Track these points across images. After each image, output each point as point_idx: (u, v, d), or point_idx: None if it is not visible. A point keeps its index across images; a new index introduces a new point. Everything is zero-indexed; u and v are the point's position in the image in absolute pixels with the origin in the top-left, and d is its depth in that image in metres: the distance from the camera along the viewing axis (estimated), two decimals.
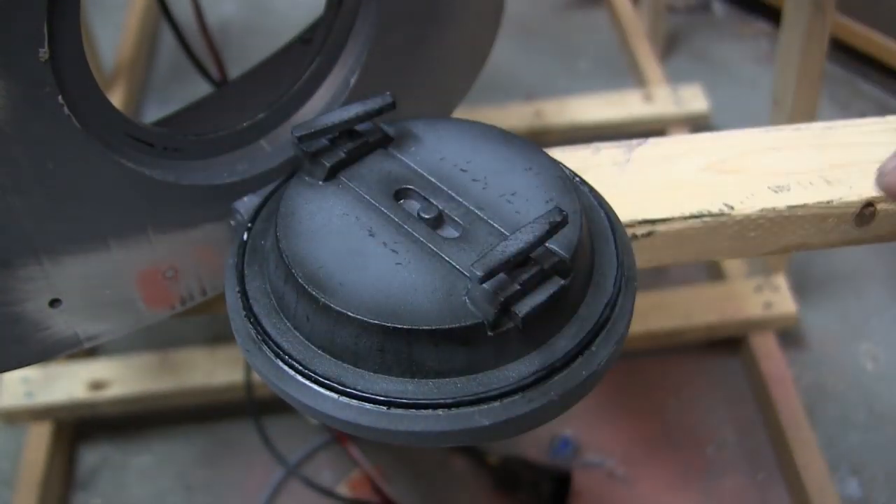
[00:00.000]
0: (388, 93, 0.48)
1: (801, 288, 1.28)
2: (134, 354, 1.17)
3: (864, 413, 1.18)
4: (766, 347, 1.21)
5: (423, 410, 0.41)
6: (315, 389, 0.42)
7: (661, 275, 1.31)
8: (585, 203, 0.49)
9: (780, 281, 1.23)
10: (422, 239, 0.44)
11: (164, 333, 1.23)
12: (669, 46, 1.70)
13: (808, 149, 0.59)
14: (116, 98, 1.55)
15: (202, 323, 1.27)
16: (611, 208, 0.50)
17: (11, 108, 0.40)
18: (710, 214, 0.55)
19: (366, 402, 0.41)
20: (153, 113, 1.69)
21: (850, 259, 1.35)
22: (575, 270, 0.43)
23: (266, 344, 0.43)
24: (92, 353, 1.20)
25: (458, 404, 0.41)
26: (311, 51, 0.53)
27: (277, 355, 0.43)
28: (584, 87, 1.57)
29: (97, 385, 1.14)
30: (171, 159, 0.47)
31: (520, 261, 0.41)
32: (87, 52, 0.43)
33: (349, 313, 0.41)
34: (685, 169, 0.57)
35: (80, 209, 0.44)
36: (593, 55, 1.70)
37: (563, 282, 0.42)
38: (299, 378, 0.42)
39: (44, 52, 0.40)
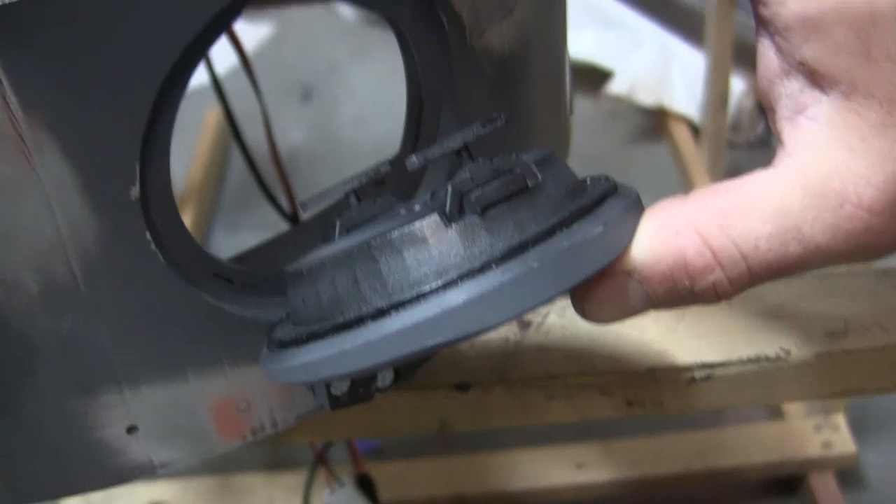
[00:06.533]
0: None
1: (860, 427, 1.27)
2: (194, 477, 1.18)
3: None
4: (826, 488, 1.19)
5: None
6: (379, 324, 0.39)
7: (720, 412, 1.31)
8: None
9: (840, 420, 1.22)
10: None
11: (224, 456, 1.24)
12: None
13: (863, 295, 0.60)
14: (185, 222, 1.59)
15: (262, 448, 1.28)
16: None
17: (102, 242, 0.43)
18: (768, 359, 0.56)
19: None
20: (221, 238, 1.73)
21: None
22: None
23: (305, 340, 0.41)
24: None
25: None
26: (384, 191, 0.55)
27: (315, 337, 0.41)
28: None
29: None
30: (248, 295, 0.49)
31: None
32: None
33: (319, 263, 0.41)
34: (743, 313, 0.59)
35: (161, 340, 0.46)
36: (654, 189, 1.71)
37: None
38: (345, 334, 0.40)
39: (135, 191, 0.42)
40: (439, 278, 0.38)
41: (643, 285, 0.40)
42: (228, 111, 0.95)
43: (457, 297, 0.37)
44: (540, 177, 0.41)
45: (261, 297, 0.49)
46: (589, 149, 1.84)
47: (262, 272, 0.50)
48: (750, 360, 0.56)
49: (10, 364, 0.45)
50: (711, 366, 0.56)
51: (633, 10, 2.15)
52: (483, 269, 0.38)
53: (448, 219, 0.39)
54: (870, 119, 0.36)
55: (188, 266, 0.46)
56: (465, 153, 0.42)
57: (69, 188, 0.41)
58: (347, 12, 2.34)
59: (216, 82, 0.93)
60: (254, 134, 0.91)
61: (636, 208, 0.42)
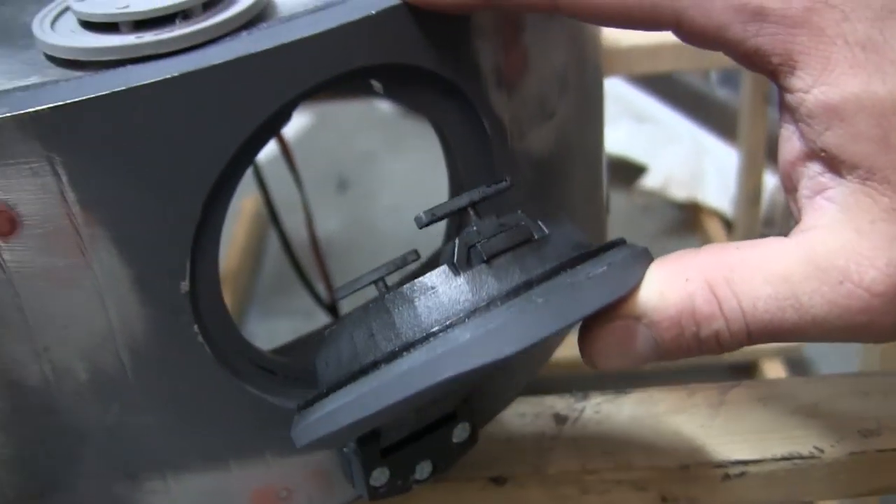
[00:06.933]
0: None
1: None
2: None
3: None
4: None
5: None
6: (401, 362, 0.39)
7: None
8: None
9: None
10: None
11: None
12: None
13: None
14: None
15: None
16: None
17: (151, 334, 0.44)
18: (801, 457, 0.56)
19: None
20: (255, 324, 1.74)
21: None
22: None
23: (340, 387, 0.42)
24: None
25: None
26: None
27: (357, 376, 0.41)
28: None
29: None
30: (291, 387, 0.50)
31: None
32: None
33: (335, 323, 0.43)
34: (777, 411, 0.59)
35: (205, 430, 0.47)
36: None
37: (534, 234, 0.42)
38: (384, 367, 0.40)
39: (185, 285, 0.44)
40: (448, 321, 0.39)
41: (651, 330, 0.41)
42: (269, 200, 0.97)
43: (463, 333, 0.38)
44: (546, 230, 0.42)
45: (303, 389, 0.50)
46: None
47: (304, 364, 0.52)
48: (784, 458, 0.56)
49: (57, 449, 0.46)
50: (746, 463, 0.56)
51: (665, 106, 2.17)
52: (489, 306, 0.39)
53: (456, 268, 0.41)
54: (882, 203, 0.38)
55: (233, 358, 0.48)
56: (473, 212, 0.44)
57: (121, 281, 0.42)
58: (384, 104, 2.38)
59: (257, 172, 0.95)
60: (289, 222, 0.93)
61: (644, 256, 0.44)
